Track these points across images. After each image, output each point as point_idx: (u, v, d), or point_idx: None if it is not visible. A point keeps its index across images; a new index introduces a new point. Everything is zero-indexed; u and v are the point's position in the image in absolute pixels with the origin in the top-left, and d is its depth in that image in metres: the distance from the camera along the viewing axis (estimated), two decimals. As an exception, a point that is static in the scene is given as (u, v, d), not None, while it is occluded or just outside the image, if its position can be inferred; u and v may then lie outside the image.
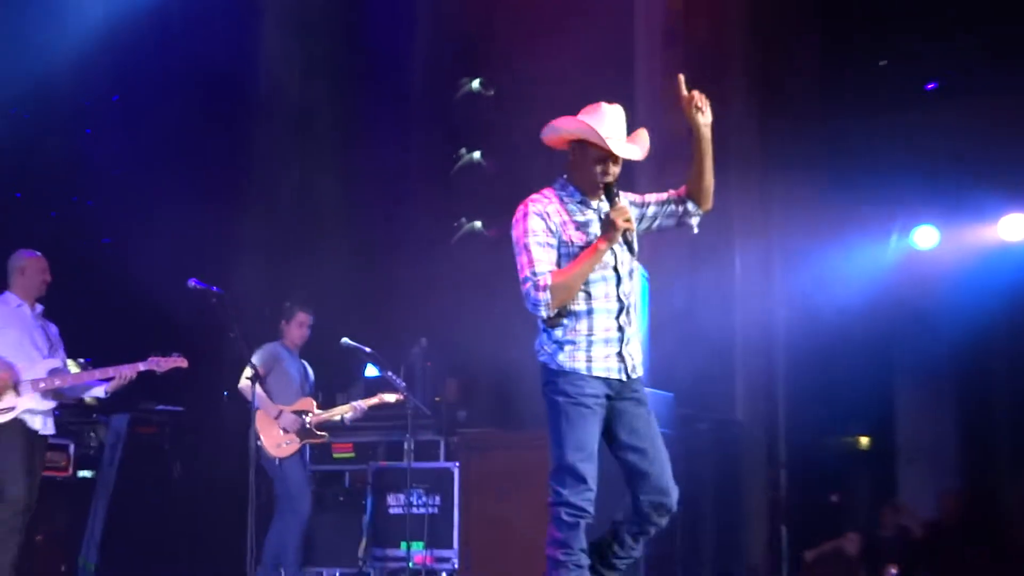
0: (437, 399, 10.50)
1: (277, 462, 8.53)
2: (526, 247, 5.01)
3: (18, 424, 7.46)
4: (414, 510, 9.40)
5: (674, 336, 9.85)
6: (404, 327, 10.83)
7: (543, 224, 5.04)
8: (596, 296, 5.04)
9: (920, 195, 10.95)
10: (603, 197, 5.14)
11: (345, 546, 9.80)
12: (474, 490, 9.25)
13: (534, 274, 4.95)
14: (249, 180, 12.38)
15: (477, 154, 11.86)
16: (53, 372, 7.61)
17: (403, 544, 9.37)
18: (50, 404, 7.61)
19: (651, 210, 5.37)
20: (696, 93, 5.19)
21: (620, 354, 5.07)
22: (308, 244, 11.64)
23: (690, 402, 10.00)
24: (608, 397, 5.05)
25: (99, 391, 7.79)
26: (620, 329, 5.07)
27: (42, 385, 7.52)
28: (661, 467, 5.04)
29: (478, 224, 11.80)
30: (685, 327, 10.19)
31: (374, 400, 9.09)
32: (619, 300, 5.08)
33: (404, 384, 9.10)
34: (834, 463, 12.35)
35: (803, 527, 11.28)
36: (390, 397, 9.07)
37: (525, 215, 5.06)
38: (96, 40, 11.25)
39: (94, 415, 9.89)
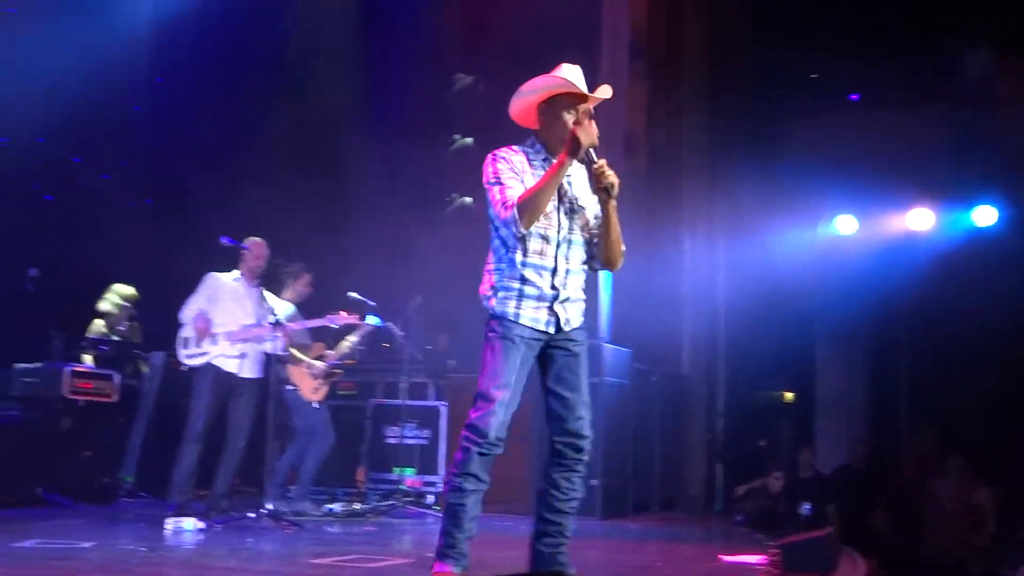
0: (429, 348, 10.59)
1: (316, 404, 8.65)
2: (496, 181, 4.62)
3: (210, 367, 7.85)
4: (406, 441, 9.57)
5: (633, 302, 9.96)
6: (403, 285, 10.91)
7: (508, 166, 4.64)
8: (532, 251, 4.63)
9: (842, 189, 11.05)
10: (597, 174, 4.62)
11: (347, 470, 9.92)
12: (459, 425, 9.34)
13: (503, 199, 4.57)
14: (270, 152, 12.40)
15: (470, 140, 11.89)
16: (245, 328, 7.96)
17: (396, 469, 9.48)
18: (236, 351, 7.92)
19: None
20: (603, 162, 4.59)
21: (551, 308, 4.64)
22: (330, 213, 11.70)
23: (644, 358, 10.20)
24: (537, 340, 4.65)
25: (278, 343, 8.10)
26: (554, 288, 4.63)
27: (226, 335, 7.90)
28: (576, 415, 4.62)
29: (468, 199, 11.85)
30: (642, 295, 10.31)
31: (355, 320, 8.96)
32: (555, 260, 4.65)
33: (403, 334, 9.16)
34: (763, 413, 12.53)
35: (735, 466, 11.43)
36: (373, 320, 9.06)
37: (492, 160, 4.67)
38: (145, 29, 11.29)
39: (136, 351, 9.93)
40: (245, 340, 7.94)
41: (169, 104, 11.63)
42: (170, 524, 7.26)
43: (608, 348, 9.28)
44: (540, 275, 4.64)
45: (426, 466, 9.59)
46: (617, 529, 8.67)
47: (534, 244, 4.64)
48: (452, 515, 4.59)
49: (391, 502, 8.93)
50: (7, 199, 10.08)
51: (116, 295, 9.86)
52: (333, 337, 9.20)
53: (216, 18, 11.76)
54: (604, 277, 9.36)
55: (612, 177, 4.56)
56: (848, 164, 10.99)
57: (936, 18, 10.54)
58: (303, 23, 12.74)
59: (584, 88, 4.71)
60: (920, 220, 11.06)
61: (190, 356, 7.93)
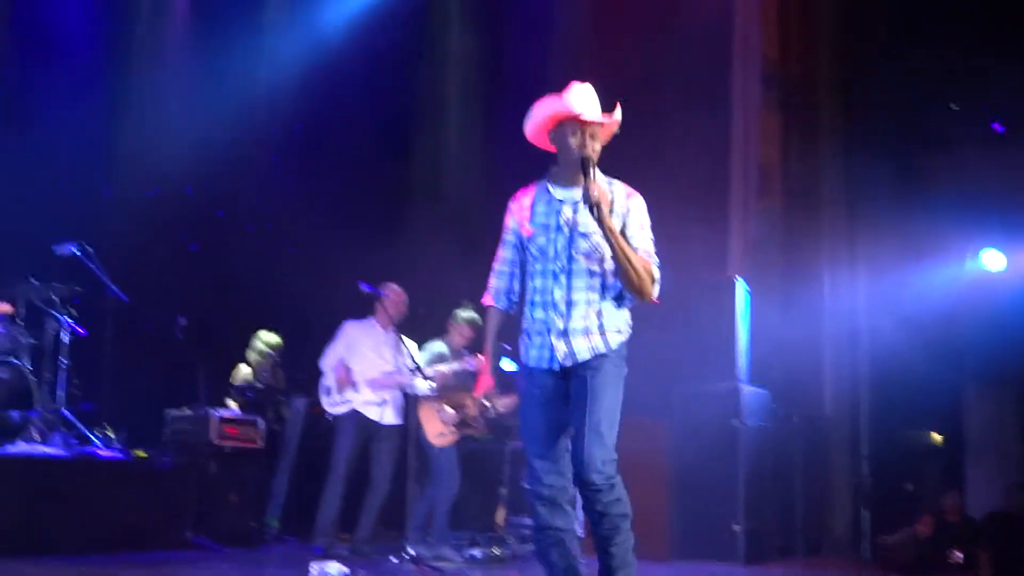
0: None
1: (436, 448, 8.70)
2: (500, 240, 4.86)
3: (354, 414, 8.08)
4: (545, 485, 9.47)
5: (771, 342, 9.84)
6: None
7: (508, 219, 4.80)
8: (536, 289, 4.63)
9: (989, 223, 10.74)
10: (584, 194, 4.48)
11: (486, 514, 9.95)
12: (595, 469, 9.33)
13: (492, 272, 4.86)
14: (404, 197, 12.62)
15: None
16: (386, 375, 8.23)
17: (534, 513, 9.45)
18: (377, 398, 8.21)
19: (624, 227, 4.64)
20: (591, 179, 4.41)
21: (551, 345, 4.57)
22: (459, 253, 11.82)
23: (784, 399, 10.05)
24: (549, 375, 4.61)
25: (425, 387, 8.30)
26: (552, 322, 4.56)
27: (367, 382, 8.19)
28: (579, 445, 4.44)
29: None
30: (781, 334, 10.16)
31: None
32: (552, 294, 4.57)
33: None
34: (910, 455, 12.18)
35: (881, 511, 11.12)
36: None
37: (507, 209, 4.85)
38: (283, 78, 11.61)
39: (279, 397, 10.16)
40: (386, 387, 8.08)
41: (308, 152, 11.93)
42: (315, 568, 7.38)
43: (747, 390, 9.16)
44: (544, 311, 4.62)
45: (564, 510, 9.53)
46: (761, 575, 8.53)
47: (536, 282, 4.66)
48: (544, 569, 4.69)
49: (531, 547, 8.92)
50: (157, 249, 10.48)
51: (261, 342, 10.12)
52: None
53: (352, 66, 12.06)
54: (742, 318, 9.26)
55: (596, 197, 4.37)
56: (994, 197, 10.70)
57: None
58: (436, 69, 12.97)
59: (592, 108, 4.58)
60: (1072, 255, 10.68)
61: (333, 404, 8.09)
